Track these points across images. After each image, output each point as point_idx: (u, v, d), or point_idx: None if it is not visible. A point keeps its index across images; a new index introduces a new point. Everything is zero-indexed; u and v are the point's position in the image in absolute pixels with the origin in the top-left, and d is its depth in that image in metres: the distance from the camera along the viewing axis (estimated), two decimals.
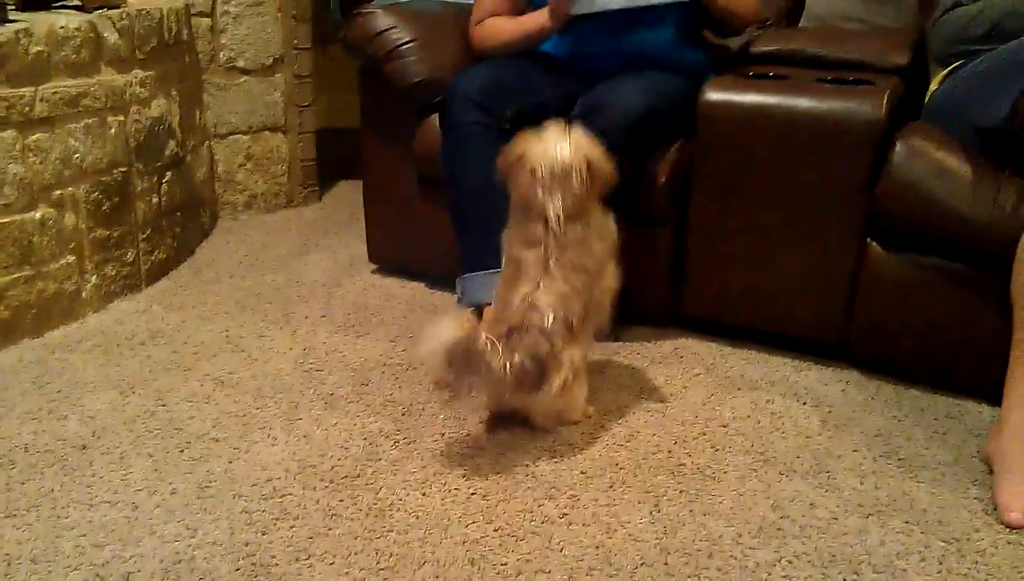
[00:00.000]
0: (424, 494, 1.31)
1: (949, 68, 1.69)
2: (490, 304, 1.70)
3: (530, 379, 1.35)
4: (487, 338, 1.29)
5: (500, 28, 1.89)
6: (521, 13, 1.90)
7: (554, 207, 1.35)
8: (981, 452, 1.42)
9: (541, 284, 1.37)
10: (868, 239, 1.62)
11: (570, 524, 1.25)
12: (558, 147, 1.36)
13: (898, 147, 1.55)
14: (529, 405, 1.42)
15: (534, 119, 1.80)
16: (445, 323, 1.27)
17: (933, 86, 1.73)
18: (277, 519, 1.25)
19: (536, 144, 1.39)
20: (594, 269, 1.41)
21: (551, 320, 1.34)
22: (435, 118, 1.86)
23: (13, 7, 1.90)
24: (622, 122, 1.65)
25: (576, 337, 1.39)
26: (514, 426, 1.49)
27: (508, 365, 1.31)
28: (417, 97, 1.94)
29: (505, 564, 1.17)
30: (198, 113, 2.44)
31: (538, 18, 1.82)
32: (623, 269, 1.52)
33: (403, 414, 1.54)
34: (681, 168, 1.75)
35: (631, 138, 1.66)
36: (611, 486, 1.34)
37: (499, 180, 1.45)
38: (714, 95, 1.68)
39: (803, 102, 1.60)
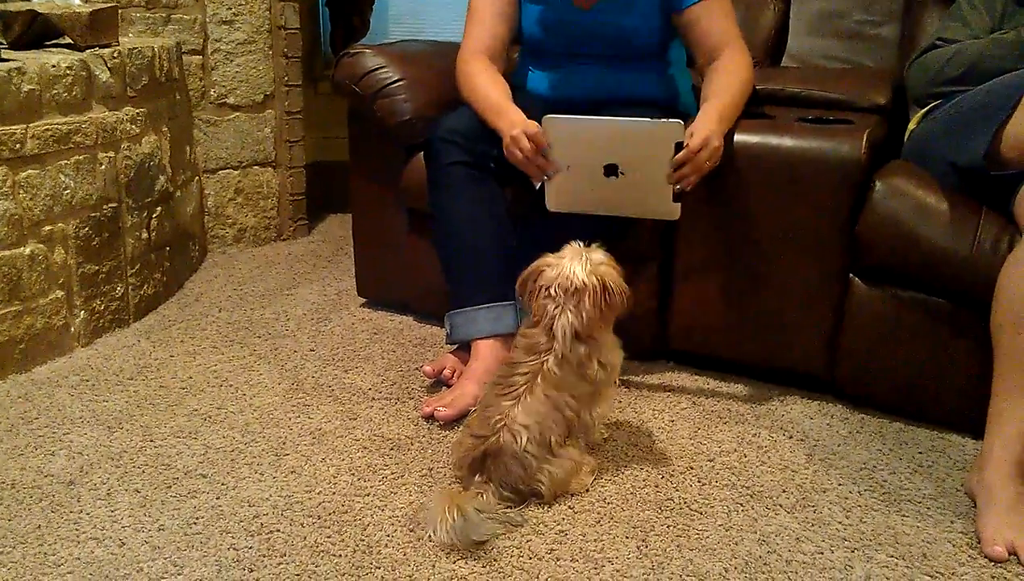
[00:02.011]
0: (412, 530, 1.31)
1: (926, 108, 1.73)
2: (477, 339, 1.72)
3: (515, 499, 1.36)
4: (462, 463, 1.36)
5: (474, 88, 1.79)
6: (508, 46, 1.90)
7: (562, 324, 1.34)
8: (965, 485, 1.43)
9: (521, 401, 1.35)
10: (850, 275, 1.64)
11: (558, 560, 1.25)
12: (574, 266, 1.35)
13: (878, 185, 1.58)
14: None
15: None
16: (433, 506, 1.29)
17: (912, 125, 1.76)
18: (264, 556, 1.25)
19: (554, 261, 1.37)
20: (587, 393, 1.39)
21: (524, 442, 1.32)
22: (423, 155, 1.88)
23: (5, 46, 1.92)
24: None
25: (556, 452, 1.36)
26: None
27: (491, 499, 1.33)
28: (404, 135, 1.97)
29: None
30: (188, 149, 2.46)
31: (499, 122, 1.68)
32: None
33: (391, 449, 1.54)
34: None
35: None
36: (598, 521, 1.34)
37: (518, 293, 1.43)
38: None
39: (785, 141, 1.63)
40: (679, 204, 1.56)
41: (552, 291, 1.35)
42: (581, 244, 1.40)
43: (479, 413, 1.41)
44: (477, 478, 1.36)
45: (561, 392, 1.36)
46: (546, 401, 1.35)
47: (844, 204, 1.60)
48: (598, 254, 1.38)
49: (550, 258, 1.39)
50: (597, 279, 1.34)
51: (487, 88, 1.77)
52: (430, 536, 1.26)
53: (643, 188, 1.56)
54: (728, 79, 1.70)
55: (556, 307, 1.34)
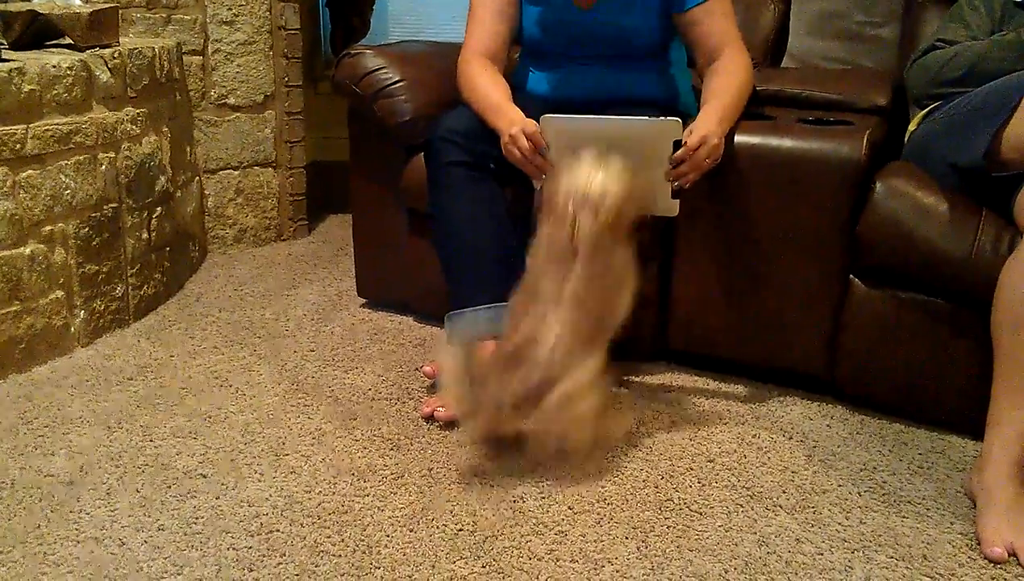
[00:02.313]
0: (412, 530, 1.31)
1: (926, 109, 1.73)
2: (483, 339, 1.72)
3: (527, 403, 1.36)
4: (487, 362, 1.36)
5: (474, 88, 1.79)
6: (509, 46, 1.90)
7: (583, 226, 1.37)
8: (964, 486, 1.43)
9: (552, 309, 1.38)
10: (850, 275, 1.64)
11: (558, 560, 1.25)
12: (592, 172, 1.38)
13: (878, 186, 1.58)
14: (526, 427, 1.42)
15: None
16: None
17: (912, 127, 1.76)
18: (264, 556, 1.25)
19: (573, 168, 1.41)
20: (613, 286, 1.43)
21: (553, 349, 1.35)
22: (423, 155, 1.88)
23: (6, 46, 1.92)
24: None
25: (582, 359, 1.39)
26: (502, 462, 1.50)
27: (505, 389, 1.35)
28: (405, 135, 1.97)
29: None
30: (189, 149, 2.46)
31: (499, 121, 1.67)
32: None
33: (391, 449, 1.54)
34: None
35: None
36: (598, 522, 1.34)
37: (536, 209, 1.45)
38: None
39: (785, 142, 1.63)
40: (678, 201, 1.57)
41: (579, 198, 1.37)
42: (597, 152, 1.42)
43: (507, 328, 1.43)
44: (501, 372, 1.37)
45: (588, 295, 1.38)
46: (576, 309, 1.38)
47: (844, 205, 1.60)
48: (615, 164, 1.40)
49: (568, 163, 1.42)
50: (611, 189, 1.37)
51: (487, 88, 1.77)
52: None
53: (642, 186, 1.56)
54: (728, 80, 1.70)
55: (577, 211, 1.37)
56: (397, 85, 1.96)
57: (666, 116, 1.56)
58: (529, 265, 1.46)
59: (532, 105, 1.82)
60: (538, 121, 1.58)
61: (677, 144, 1.51)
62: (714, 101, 1.64)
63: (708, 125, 1.55)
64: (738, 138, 1.66)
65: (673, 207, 1.58)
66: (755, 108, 1.78)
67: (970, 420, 1.54)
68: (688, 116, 1.82)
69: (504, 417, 1.39)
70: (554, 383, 1.36)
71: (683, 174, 1.53)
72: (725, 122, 1.62)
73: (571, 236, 1.38)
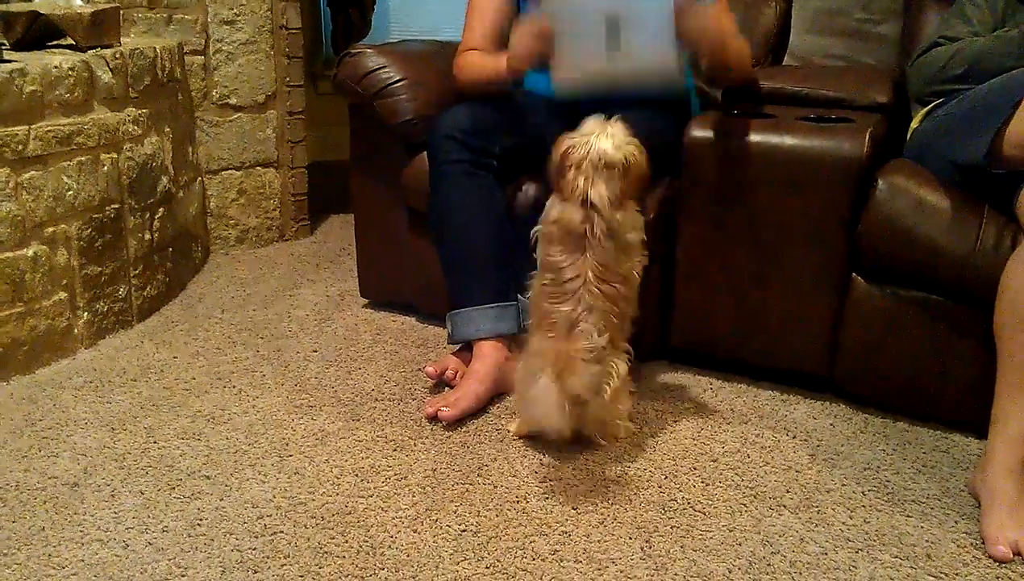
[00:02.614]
0: (415, 531, 1.31)
1: (928, 107, 1.73)
2: (479, 339, 1.72)
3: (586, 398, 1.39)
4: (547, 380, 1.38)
5: (472, 63, 1.88)
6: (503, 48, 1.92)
7: (599, 194, 1.38)
8: (968, 485, 1.43)
9: (582, 301, 1.40)
10: (852, 274, 1.64)
11: (561, 561, 1.25)
12: (601, 141, 1.40)
13: (880, 184, 1.58)
14: (582, 415, 1.45)
15: (520, 156, 1.83)
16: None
17: (913, 124, 1.76)
18: (268, 557, 1.25)
19: (580, 138, 1.42)
20: (628, 267, 1.45)
21: (597, 339, 1.37)
22: (425, 154, 1.88)
23: (7, 47, 1.92)
24: None
25: (617, 345, 1.42)
26: (506, 462, 1.50)
27: (568, 396, 1.36)
28: (406, 135, 1.97)
29: None
30: (191, 149, 2.46)
31: (499, 63, 1.74)
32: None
33: (394, 450, 1.54)
34: (668, 205, 1.78)
35: None
36: (602, 522, 1.34)
37: (550, 181, 1.47)
38: (699, 133, 1.70)
39: (786, 140, 1.63)
40: (683, 66, 1.59)
41: (583, 166, 1.39)
42: (602, 117, 1.43)
43: (541, 325, 1.45)
44: (558, 383, 1.37)
45: (611, 283, 1.40)
46: (602, 297, 1.39)
47: (846, 203, 1.60)
48: (618, 127, 1.42)
49: (575, 136, 1.42)
50: (623, 154, 1.39)
51: (480, 56, 1.85)
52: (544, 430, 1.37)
53: (646, 51, 1.56)
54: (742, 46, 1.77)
55: (587, 181, 1.38)
56: (398, 84, 1.96)
57: (673, 109, 1.56)
58: (540, 250, 1.47)
59: (533, 103, 1.83)
60: (540, 123, 1.59)
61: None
62: None
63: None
64: (739, 136, 1.66)
65: (679, 70, 1.58)
66: (756, 106, 1.78)
67: (974, 418, 1.53)
68: (691, 113, 1.82)
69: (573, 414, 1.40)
70: (606, 368, 1.39)
71: (684, 19, 1.51)
72: (725, 19, 1.64)
73: (581, 201, 1.39)
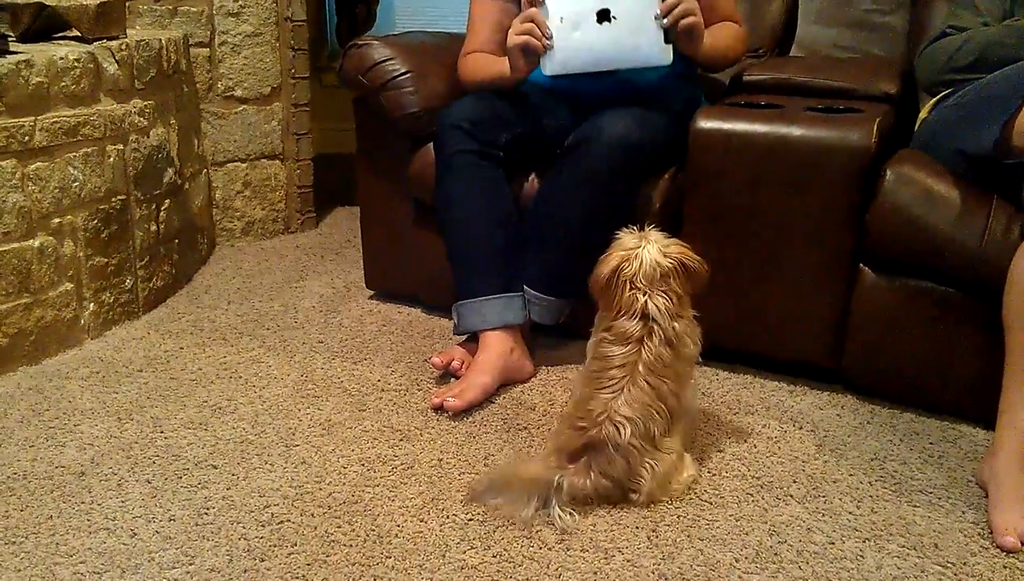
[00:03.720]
0: (422, 520, 1.31)
1: (937, 97, 1.72)
2: (485, 330, 1.72)
3: (613, 494, 1.34)
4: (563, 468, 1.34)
5: (477, 66, 1.89)
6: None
7: (656, 307, 1.33)
8: (976, 475, 1.43)
9: (624, 392, 1.33)
10: (860, 264, 1.64)
11: (568, 550, 1.25)
12: (651, 252, 1.34)
13: (888, 174, 1.57)
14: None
15: (526, 148, 1.83)
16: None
17: (922, 114, 1.75)
18: (275, 546, 1.25)
19: (625, 253, 1.36)
20: (683, 374, 1.38)
21: (627, 435, 1.30)
22: (430, 146, 1.88)
23: (14, 39, 1.92)
24: (616, 152, 1.67)
25: (659, 444, 1.34)
26: (512, 452, 1.50)
27: (588, 486, 1.32)
28: (412, 127, 1.96)
29: None
30: (196, 141, 2.46)
31: (502, 67, 1.79)
32: None
33: (401, 439, 1.54)
34: (674, 197, 1.77)
35: (624, 168, 1.69)
36: (608, 511, 1.34)
37: (592, 296, 1.41)
38: (705, 124, 1.70)
39: (793, 130, 1.62)
40: (671, 47, 1.65)
41: (639, 282, 1.34)
42: (634, 228, 1.39)
43: (577, 407, 1.38)
44: (578, 471, 1.34)
45: (662, 379, 1.34)
46: (649, 391, 1.33)
47: (853, 193, 1.59)
48: (658, 234, 1.38)
49: (619, 251, 1.37)
50: (675, 259, 1.35)
51: (484, 58, 1.87)
52: (517, 517, 1.29)
53: (635, 32, 1.64)
54: (720, 27, 1.83)
55: (644, 294, 1.33)
56: (404, 76, 1.95)
57: (680, 101, 1.57)
58: (591, 345, 1.42)
59: (536, 93, 1.83)
60: (547, 105, 1.59)
61: None
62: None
63: None
64: (746, 127, 1.66)
65: (667, 52, 1.66)
66: (763, 97, 1.77)
67: (981, 409, 1.53)
68: (697, 104, 1.82)
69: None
70: (636, 468, 1.32)
71: (673, 6, 1.62)
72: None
73: (640, 315, 1.33)
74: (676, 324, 1.34)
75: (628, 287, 1.34)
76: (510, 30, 1.71)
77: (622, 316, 1.35)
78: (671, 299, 1.33)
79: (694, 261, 1.36)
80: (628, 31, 1.65)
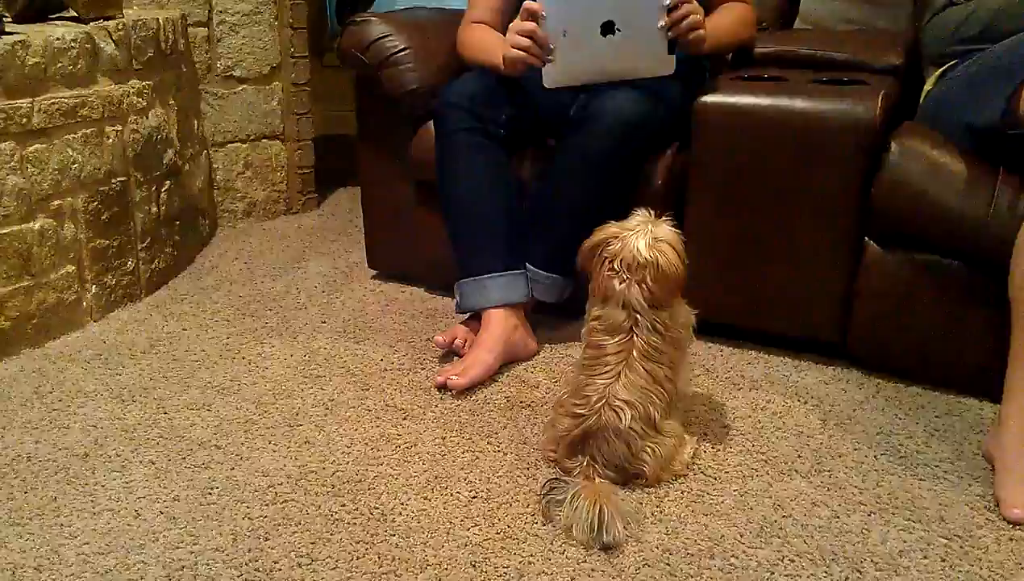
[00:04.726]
0: (426, 498, 1.31)
1: (942, 69, 1.70)
2: (487, 308, 1.72)
3: (616, 480, 1.32)
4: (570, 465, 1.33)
5: (475, 45, 1.86)
6: (509, 19, 1.89)
7: (635, 297, 1.30)
8: (982, 449, 1.42)
9: (621, 377, 1.31)
10: (865, 238, 1.62)
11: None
12: (637, 241, 1.31)
13: (893, 147, 1.56)
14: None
15: (527, 125, 1.81)
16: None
17: (927, 87, 1.73)
18: (279, 525, 1.25)
19: (619, 231, 1.34)
20: (678, 355, 1.36)
21: (627, 420, 1.29)
22: (431, 125, 1.87)
23: (9, 19, 1.90)
24: (617, 129, 1.65)
25: (659, 427, 1.33)
26: (515, 430, 1.50)
27: (592, 474, 1.30)
28: (412, 104, 1.95)
29: (507, 567, 1.17)
30: (196, 122, 2.45)
31: (496, 57, 1.74)
32: None
33: (404, 419, 1.54)
34: (678, 171, 1.76)
35: (627, 146, 1.67)
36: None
37: (579, 266, 1.40)
38: (709, 98, 1.68)
39: (798, 103, 1.61)
40: (673, 57, 1.61)
41: (616, 266, 1.32)
42: (651, 212, 1.36)
43: (573, 394, 1.36)
44: (579, 458, 1.32)
45: (658, 364, 1.32)
46: (646, 375, 1.31)
47: (858, 166, 1.58)
48: (662, 228, 1.33)
49: (615, 228, 1.35)
50: (654, 257, 1.30)
51: (487, 37, 1.83)
52: (569, 531, 1.23)
53: (638, 44, 1.60)
54: (723, 13, 1.79)
55: (622, 283, 1.31)
56: (403, 53, 1.94)
57: (682, 76, 1.55)
58: (584, 332, 1.40)
59: (537, 70, 1.80)
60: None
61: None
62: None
63: None
64: (750, 100, 1.64)
65: (670, 63, 1.61)
66: (767, 70, 1.75)
67: (987, 383, 1.52)
68: (700, 79, 1.80)
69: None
70: (638, 453, 1.31)
71: (679, 19, 1.58)
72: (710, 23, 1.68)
73: (620, 304, 1.31)
74: (662, 313, 1.32)
75: (607, 267, 1.33)
76: (507, 35, 1.65)
77: (608, 303, 1.34)
78: (648, 290, 1.30)
79: (671, 265, 1.30)
80: (631, 43, 1.59)
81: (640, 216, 1.36)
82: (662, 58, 1.60)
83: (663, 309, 1.32)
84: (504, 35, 1.81)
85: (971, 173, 1.51)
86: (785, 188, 1.64)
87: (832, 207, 1.62)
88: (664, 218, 1.35)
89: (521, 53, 1.63)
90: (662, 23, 1.57)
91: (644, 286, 1.30)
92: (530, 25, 1.60)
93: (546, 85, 1.64)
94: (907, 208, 1.55)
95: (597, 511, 1.20)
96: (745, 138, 1.65)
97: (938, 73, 1.72)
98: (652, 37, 1.58)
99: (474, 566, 1.17)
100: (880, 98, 1.57)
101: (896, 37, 1.92)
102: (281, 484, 1.35)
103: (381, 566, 1.17)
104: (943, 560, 1.18)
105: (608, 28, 1.58)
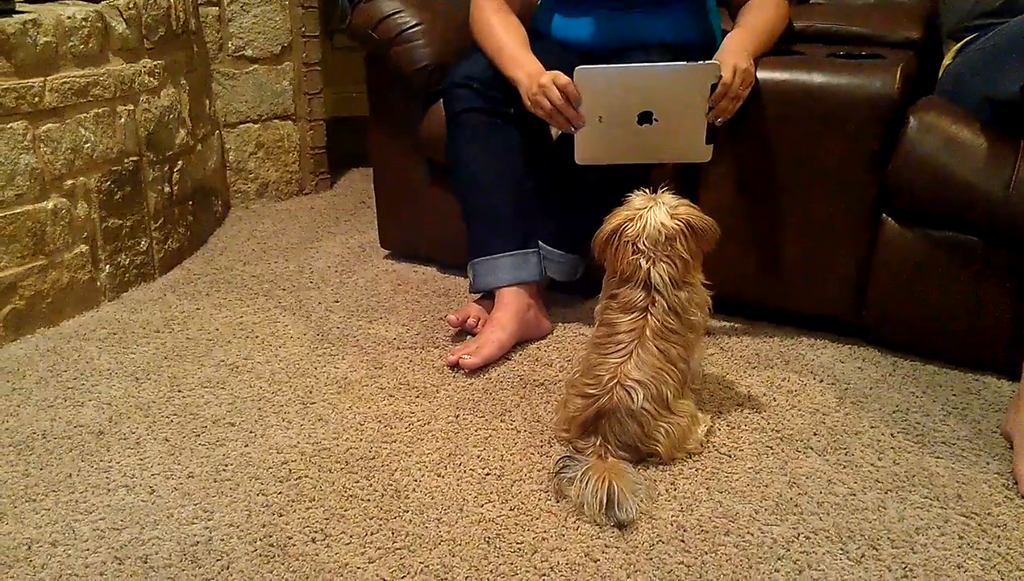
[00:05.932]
0: (439, 475, 1.31)
1: (961, 43, 1.67)
2: (500, 287, 1.71)
3: (631, 459, 1.31)
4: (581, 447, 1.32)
5: (488, 32, 1.75)
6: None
7: (659, 274, 1.28)
8: (1000, 427, 1.41)
9: (633, 356, 1.30)
10: (882, 214, 1.61)
11: None
12: (657, 214, 1.29)
13: (912, 121, 1.53)
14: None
15: None
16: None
17: (947, 60, 1.71)
18: (293, 501, 1.26)
19: (631, 212, 1.32)
20: (691, 340, 1.34)
21: (640, 399, 1.28)
22: (441, 104, 1.85)
23: None
24: None
25: (672, 407, 1.32)
26: (528, 407, 1.49)
27: (605, 454, 1.29)
28: (423, 82, 1.93)
29: (521, 543, 1.16)
30: (208, 102, 2.44)
31: (516, 71, 1.65)
32: None
33: (417, 396, 1.54)
34: None
35: None
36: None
37: (594, 256, 1.38)
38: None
39: (815, 77, 1.59)
40: (711, 145, 1.55)
41: (642, 245, 1.29)
42: (647, 190, 1.34)
43: (585, 374, 1.35)
44: (591, 438, 1.32)
45: (672, 343, 1.30)
46: (659, 355, 1.30)
47: (876, 141, 1.56)
48: (670, 196, 1.32)
49: (625, 211, 1.32)
50: (682, 221, 1.29)
51: (501, 34, 1.73)
52: (580, 509, 1.22)
53: (677, 132, 1.54)
54: (758, 12, 1.69)
55: (648, 260, 1.29)
56: (414, 30, 1.92)
57: (704, 59, 1.52)
58: (598, 311, 1.38)
59: (557, 52, 1.77)
60: (569, 73, 1.53)
61: (714, 86, 1.50)
62: (741, 28, 1.64)
63: (736, 53, 1.54)
64: (766, 74, 1.62)
65: (707, 152, 1.56)
66: (784, 44, 1.73)
67: (1006, 361, 1.50)
68: (714, 48, 1.77)
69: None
70: (651, 433, 1.30)
71: (723, 110, 1.52)
72: (751, 45, 1.60)
73: (643, 282, 1.30)
74: (681, 293, 1.30)
75: (631, 250, 1.30)
76: (536, 88, 1.57)
77: (626, 284, 1.32)
78: (675, 265, 1.29)
79: (703, 221, 1.30)
80: (668, 131, 1.54)
81: (640, 196, 1.34)
82: (699, 148, 1.55)
83: (687, 286, 1.31)
84: (518, 15, 1.79)
85: (990, 148, 1.49)
86: (802, 162, 1.62)
87: (849, 183, 1.60)
88: (662, 189, 1.34)
89: (555, 118, 1.57)
90: (703, 113, 1.52)
91: (672, 261, 1.29)
92: (562, 103, 1.54)
93: (578, 162, 1.59)
94: (925, 183, 1.53)
95: (607, 489, 1.20)
96: (762, 112, 1.62)
97: (957, 47, 1.69)
98: (691, 128, 1.53)
99: (488, 542, 1.17)
100: (898, 72, 1.55)
101: (914, 11, 1.89)
102: (295, 461, 1.35)
103: (395, 542, 1.17)
104: (960, 537, 1.17)
105: (646, 118, 1.52)
